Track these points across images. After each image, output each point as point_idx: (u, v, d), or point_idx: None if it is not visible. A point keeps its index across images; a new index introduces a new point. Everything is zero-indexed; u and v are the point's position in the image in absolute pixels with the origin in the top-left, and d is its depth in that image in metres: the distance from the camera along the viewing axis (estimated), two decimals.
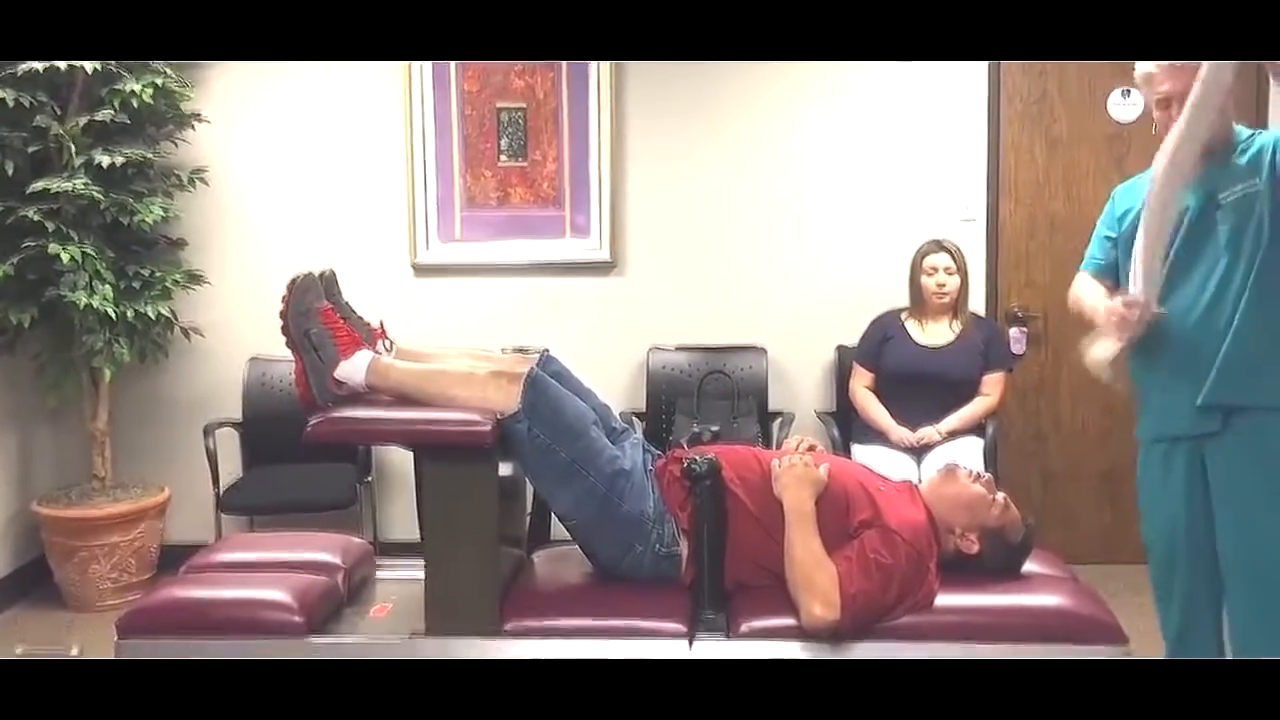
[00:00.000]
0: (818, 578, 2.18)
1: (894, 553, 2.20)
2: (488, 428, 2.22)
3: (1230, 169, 2.36)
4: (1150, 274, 2.29)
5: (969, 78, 4.43)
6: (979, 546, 2.34)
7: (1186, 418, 2.32)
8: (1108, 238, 2.56)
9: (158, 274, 4.25)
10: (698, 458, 2.32)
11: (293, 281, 2.40)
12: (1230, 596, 2.32)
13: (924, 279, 4.00)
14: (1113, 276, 2.50)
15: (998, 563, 2.36)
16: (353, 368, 2.37)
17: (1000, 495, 2.40)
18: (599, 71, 4.48)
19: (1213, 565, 2.33)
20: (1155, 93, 2.38)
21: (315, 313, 2.38)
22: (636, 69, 4.51)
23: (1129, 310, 2.29)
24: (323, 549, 2.63)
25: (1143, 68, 2.41)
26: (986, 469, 3.80)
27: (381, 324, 2.55)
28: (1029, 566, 2.42)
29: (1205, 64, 2.16)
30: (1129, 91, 4.40)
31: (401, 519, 4.55)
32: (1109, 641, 2.17)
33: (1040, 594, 2.31)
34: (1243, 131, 2.43)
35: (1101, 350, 2.33)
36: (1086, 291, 2.54)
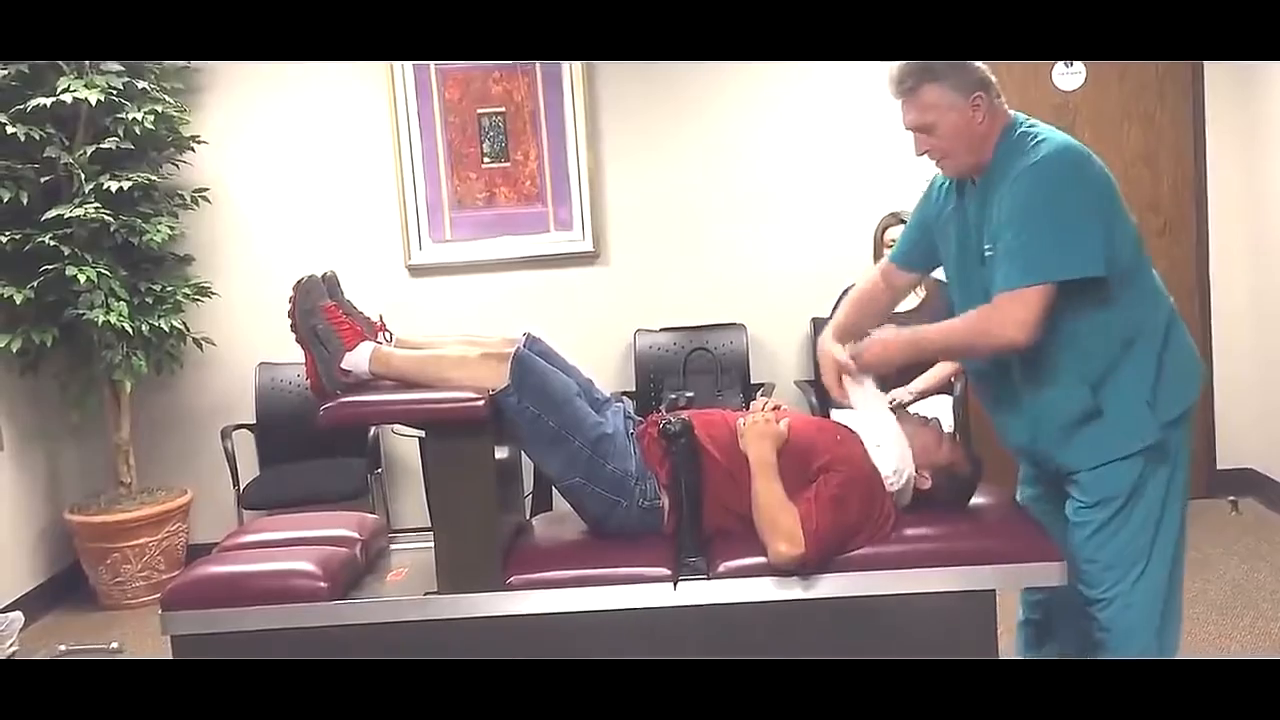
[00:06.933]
0: (781, 519, 2.39)
1: (849, 491, 2.42)
2: (481, 402, 2.44)
3: (991, 202, 2.40)
4: None
5: None
6: (930, 482, 2.57)
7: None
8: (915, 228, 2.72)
9: (168, 289, 4.48)
10: (672, 419, 2.53)
11: (298, 283, 2.59)
12: None
13: (886, 250, 4.20)
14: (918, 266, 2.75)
15: (949, 495, 2.59)
16: (357, 357, 2.55)
17: (948, 434, 2.63)
18: (571, 74, 4.69)
19: None
20: (905, 124, 2.49)
21: (320, 310, 2.57)
22: (606, 71, 4.72)
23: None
24: (340, 525, 2.82)
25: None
26: (956, 424, 4.04)
27: (381, 318, 2.72)
28: (975, 499, 2.65)
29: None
30: (1071, 62, 4.65)
31: (411, 508, 4.79)
32: (1044, 559, 2.39)
33: (983, 521, 2.55)
34: (1020, 133, 2.44)
35: None
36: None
